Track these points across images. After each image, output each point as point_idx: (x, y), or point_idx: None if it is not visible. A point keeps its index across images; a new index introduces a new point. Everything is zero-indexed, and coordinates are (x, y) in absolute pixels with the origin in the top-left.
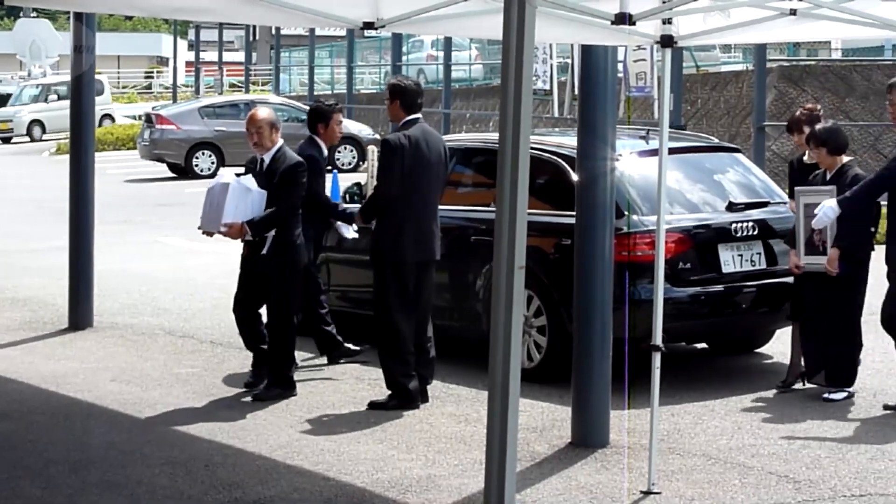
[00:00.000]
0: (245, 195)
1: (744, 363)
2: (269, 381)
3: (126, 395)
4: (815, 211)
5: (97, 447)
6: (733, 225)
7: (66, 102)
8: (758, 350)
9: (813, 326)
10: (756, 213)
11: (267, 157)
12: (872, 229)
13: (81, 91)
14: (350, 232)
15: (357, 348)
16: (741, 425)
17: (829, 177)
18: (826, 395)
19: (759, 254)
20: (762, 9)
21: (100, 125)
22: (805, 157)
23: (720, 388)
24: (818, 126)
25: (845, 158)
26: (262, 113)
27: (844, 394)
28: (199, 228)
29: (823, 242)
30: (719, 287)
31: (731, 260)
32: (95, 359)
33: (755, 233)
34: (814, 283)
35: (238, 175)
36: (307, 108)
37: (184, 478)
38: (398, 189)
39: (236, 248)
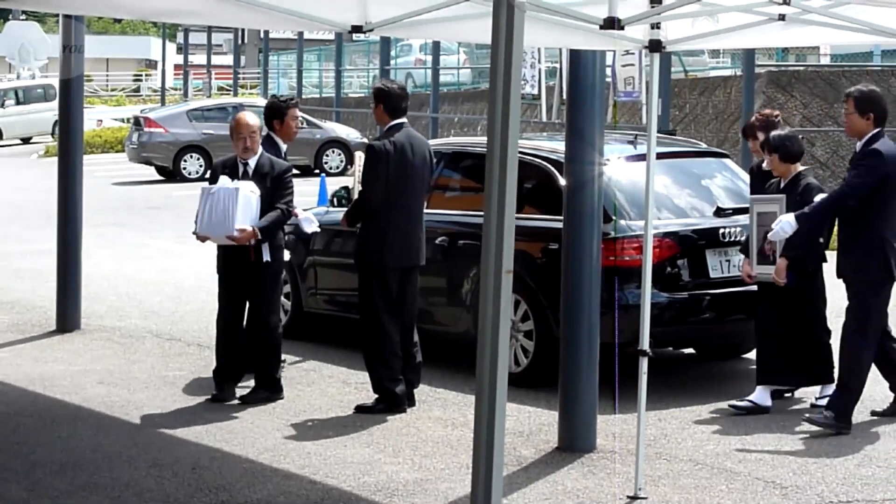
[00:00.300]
0: (250, 200)
1: (731, 368)
2: (257, 383)
3: (113, 397)
4: (773, 225)
5: (84, 450)
6: (721, 230)
7: (25, 107)
8: (744, 355)
9: (765, 335)
10: (744, 219)
11: (252, 162)
12: (822, 240)
13: (70, 93)
14: (312, 226)
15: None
16: (728, 430)
17: (783, 185)
18: (814, 402)
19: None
20: (751, 14)
21: (52, 133)
22: (765, 164)
23: (707, 393)
24: (773, 133)
25: (800, 167)
26: (253, 118)
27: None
28: (197, 234)
29: (774, 252)
30: (707, 292)
31: (718, 265)
32: (83, 361)
33: (742, 238)
34: (765, 293)
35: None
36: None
37: (170, 480)
38: (383, 195)
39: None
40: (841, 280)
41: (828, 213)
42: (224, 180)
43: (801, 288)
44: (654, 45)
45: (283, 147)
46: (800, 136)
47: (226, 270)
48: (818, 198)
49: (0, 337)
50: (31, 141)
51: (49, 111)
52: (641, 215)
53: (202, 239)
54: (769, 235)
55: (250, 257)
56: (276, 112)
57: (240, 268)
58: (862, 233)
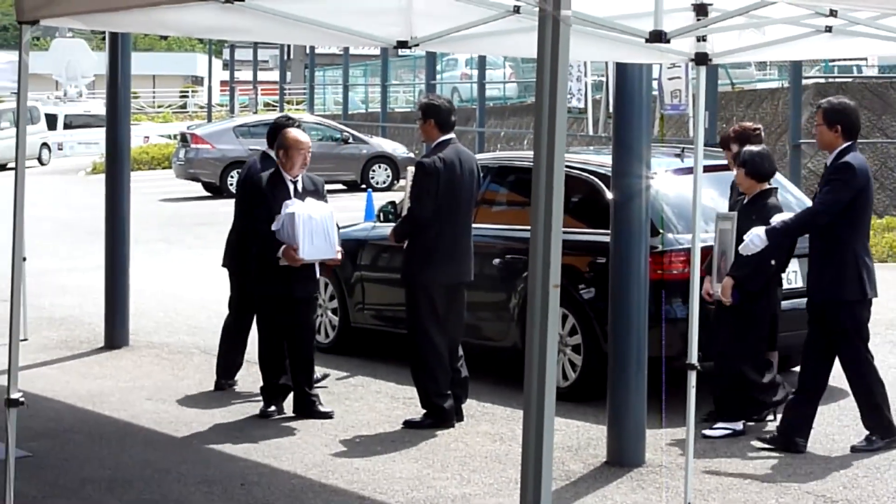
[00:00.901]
0: None
1: None
2: (310, 397)
3: (162, 413)
4: (745, 237)
5: (133, 466)
6: None
7: (10, 131)
8: (794, 368)
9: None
10: None
11: (299, 178)
12: (773, 262)
13: (117, 110)
14: None
15: (234, 382)
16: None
17: (746, 201)
18: (703, 432)
19: (795, 272)
20: (797, 26)
21: (38, 157)
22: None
23: None
24: (747, 147)
25: (766, 186)
26: (306, 135)
27: (725, 431)
28: (303, 256)
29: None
30: None
31: None
32: (131, 377)
33: (792, 252)
34: (721, 314)
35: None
36: (342, 127)
37: (219, 496)
38: (432, 212)
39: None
40: (812, 311)
41: (799, 230)
42: (312, 203)
43: (741, 308)
44: (701, 58)
45: None
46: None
47: (284, 291)
48: (775, 219)
49: (49, 353)
50: (8, 167)
51: (33, 134)
52: (689, 228)
53: (297, 261)
54: (739, 248)
55: (319, 274)
56: None
57: (300, 287)
58: (835, 249)
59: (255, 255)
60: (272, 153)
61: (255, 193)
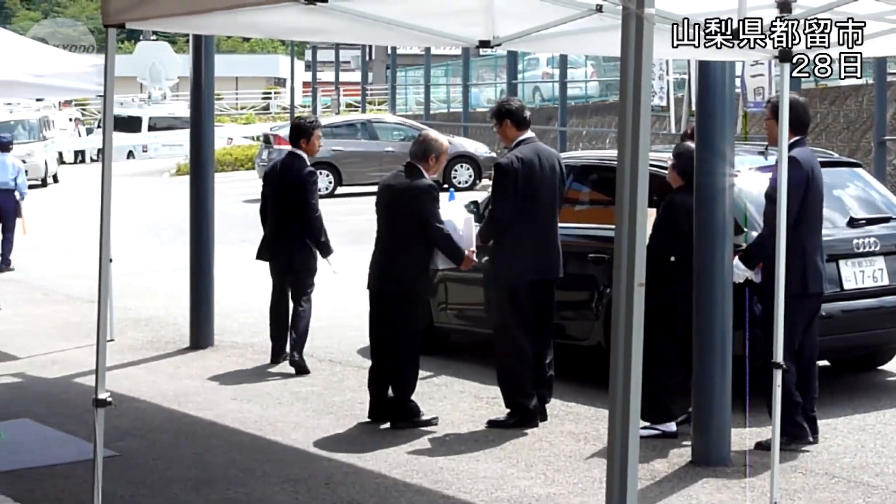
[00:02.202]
0: None
1: (866, 380)
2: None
3: (246, 413)
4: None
5: (218, 465)
6: (854, 241)
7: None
8: (880, 367)
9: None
10: (877, 229)
11: None
12: (672, 258)
13: (201, 112)
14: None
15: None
16: (864, 443)
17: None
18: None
19: (882, 270)
20: (882, 21)
21: (44, 179)
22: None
23: (843, 406)
24: (682, 143)
25: (680, 182)
26: None
27: (654, 431)
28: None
29: None
30: (841, 304)
31: (852, 276)
32: (216, 377)
33: (877, 248)
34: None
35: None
36: (424, 127)
37: (304, 495)
38: (513, 211)
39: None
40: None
41: (772, 238)
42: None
43: (651, 307)
44: (784, 55)
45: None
46: None
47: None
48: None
49: (135, 354)
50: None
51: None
52: None
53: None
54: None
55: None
56: (303, 132)
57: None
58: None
59: (422, 257)
60: (299, 152)
61: (425, 197)
